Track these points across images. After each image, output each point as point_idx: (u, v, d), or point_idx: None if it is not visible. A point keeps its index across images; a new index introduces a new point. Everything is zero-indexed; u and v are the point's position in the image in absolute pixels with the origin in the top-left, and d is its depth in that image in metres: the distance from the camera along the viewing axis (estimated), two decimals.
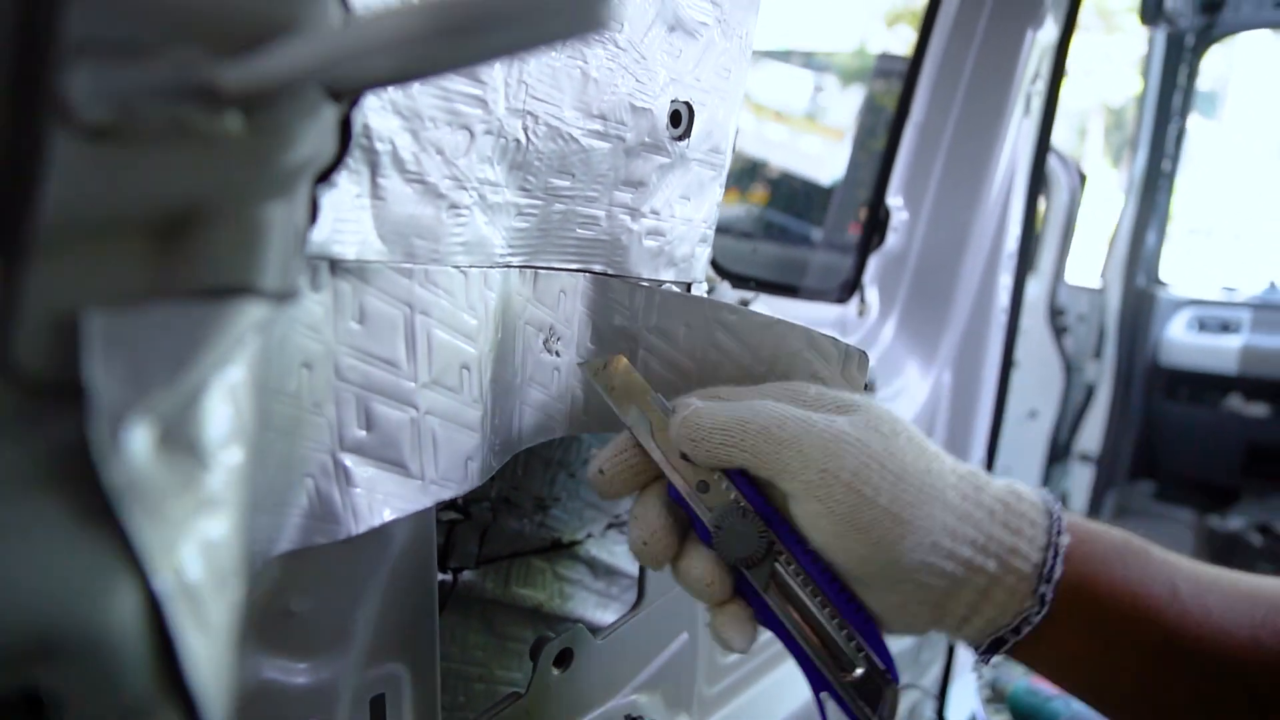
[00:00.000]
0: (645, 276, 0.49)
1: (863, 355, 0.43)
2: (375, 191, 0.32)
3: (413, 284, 0.35)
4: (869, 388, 0.85)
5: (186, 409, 0.17)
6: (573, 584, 0.69)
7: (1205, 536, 2.77)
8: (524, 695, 0.47)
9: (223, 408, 0.18)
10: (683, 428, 0.37)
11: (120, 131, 0.16)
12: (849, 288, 1.01)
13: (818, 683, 0.37)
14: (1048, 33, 0.98)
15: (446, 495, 0.38)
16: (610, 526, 0.70)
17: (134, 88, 0.16)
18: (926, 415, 1.06)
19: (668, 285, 0.51)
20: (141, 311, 0.16)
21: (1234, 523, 2.73)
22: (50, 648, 0.14)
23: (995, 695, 1.29)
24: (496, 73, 0.36)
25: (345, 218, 0.31)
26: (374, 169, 0.32)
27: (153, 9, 0.16)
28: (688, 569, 0.38)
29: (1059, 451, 2.55)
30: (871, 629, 0.36)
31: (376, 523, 0.34)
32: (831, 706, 0.36)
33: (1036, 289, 2.51)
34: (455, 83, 0.35)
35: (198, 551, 0.17)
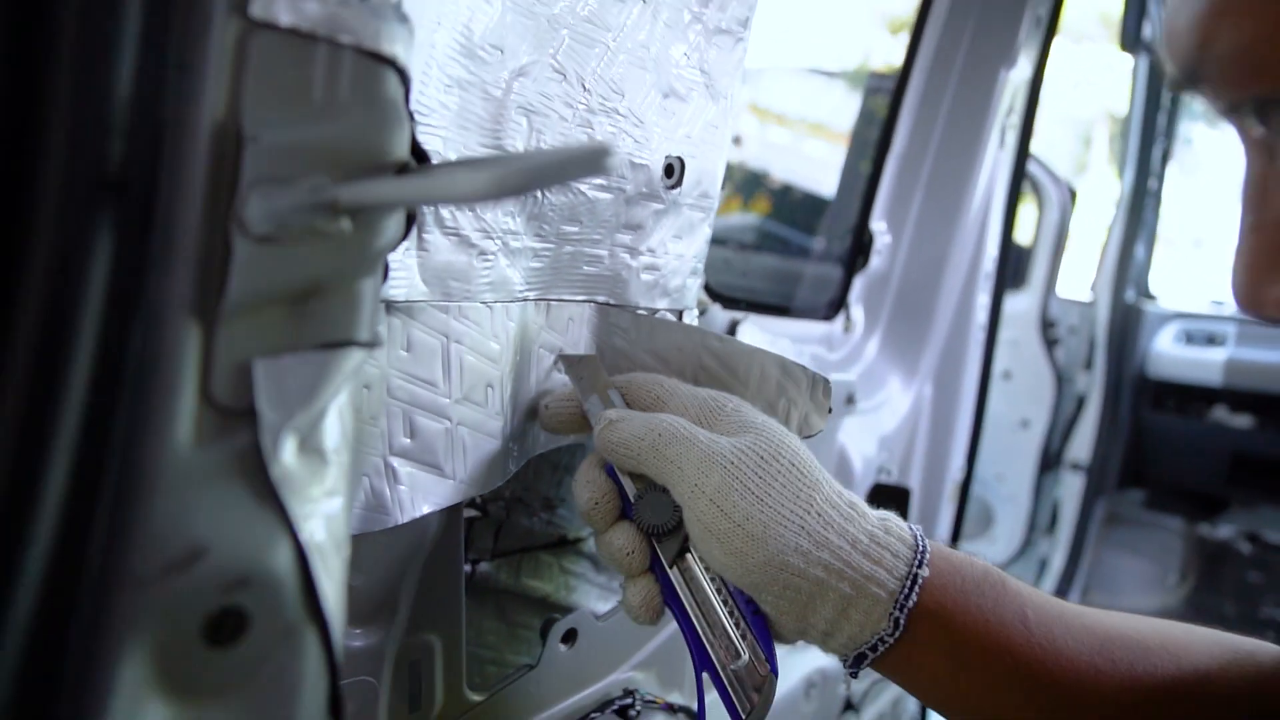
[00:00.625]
0: (642, 305, 0.57)
1: (827, 381, 0.51)
2: (420, 245, 0.40)
3: (449, 318, 0.43)
4: (850, 400, 0.92)
5: (315, 426, 0.24)
6: (577, 577, 0.76)
7: (1195, 544, 2.83)
8: (535, 667, 0.54)
9: (336, 424, 0.25)
10: (598, 440, 0.44)
11: (276, 237, 0.24)
12: (835, 306, 1.08)
13: (701, 662, 0.42)
14: (1020, 71, 1.05)
15: (474, 493, 0.46)
16: None
17: (285, 205, 0.24)
18: (908, 426, 1.13)
19: (662, 313, 0.59)
20: (286, 359, 0.24)
21: (1223, 531, 2.78)
22: (245, 580, 0.21)
23: None
24: (518, 141, 0.44)
25: (396, 267, 0.39)
26: (420, 226, 0.40)
27: (295, 155, 0.24)
28: (612, 539, 0.43)
29: (1050, 460, 2.61)
30: (761, 625, 0.41)
31: (417, 514, 0.42)
32: (709, 686, 0.41)
33: (1028, 302, 2.59)
34: (484, 151, 0.42)
35: (323, 523, 0.24)
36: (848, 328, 1.08)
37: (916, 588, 0.39)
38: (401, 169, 0.27)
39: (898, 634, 0.39)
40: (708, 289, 0.80)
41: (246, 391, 0.23)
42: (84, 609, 0.19)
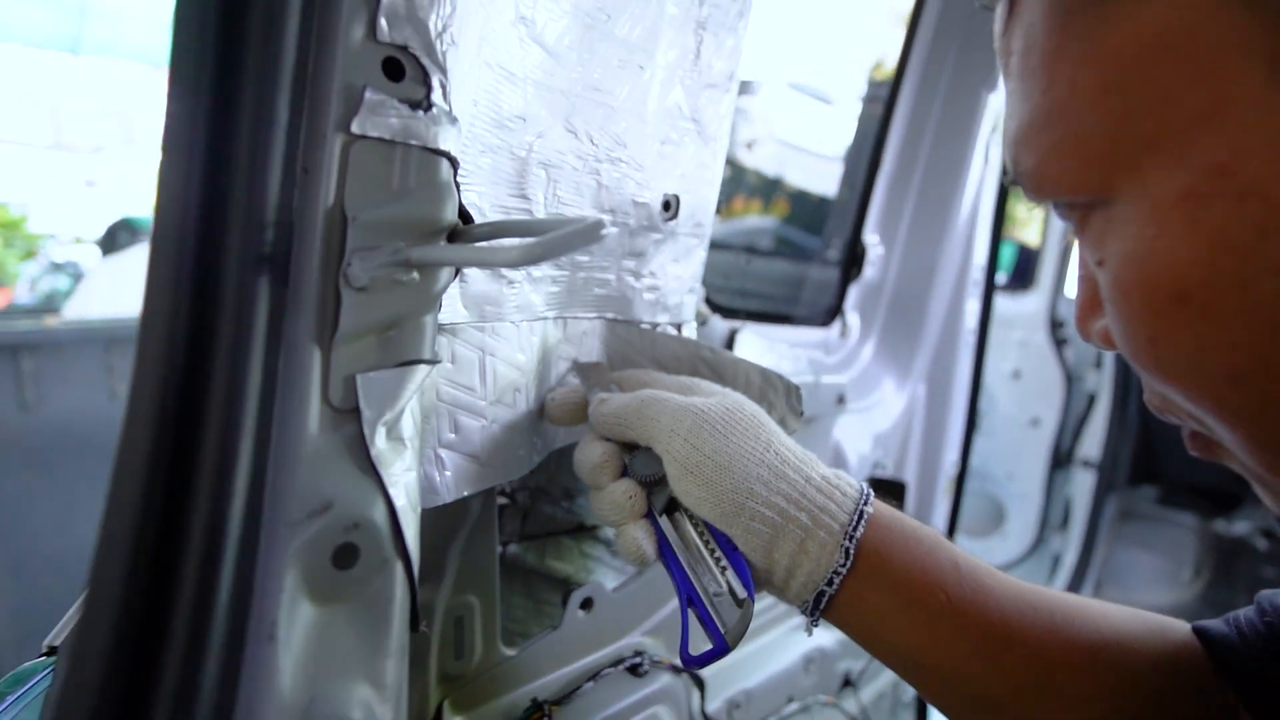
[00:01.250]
0: (645, 320, 0.66)
1: (798, 388, 0.60)
2: (461, 278, 0.50)
3: (484, 335, 0.52)
4: (841, 400, 1.00)
5: (397, 420, 0.34)
6: (594, 560, 0.86)
7: (1211, 541, 2.85)
8: (557, 629, 0.64)
9: (412, 420, 0.35)
10: (593, 416, 0.53)
11: (369, 287, 0.34)
12: (832, 312, 1.17)
13: (687, 593, 0.49)
14: (1002, 93, 1.13)
15: (504, 479, 0.55)
16: None
17: (375, 265, 0.34)
18: (903, 424, 1.21)
19: (663, 326, 0.68)
20: (377, 373, 0.34)
21: (1239, 527, 2.81)
22: (357, 525, 0.31)
23: None
24: (538, 191, 0.54)
25: (444, 297, 0.49)
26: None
27: (381, 228, 0.34)
28: (614, 489, 0.51)
29: (1061, 458, 2.66)
30: (739, 560, 0.47)
31: (460, 495, 0.51)
32: (691, 613, 0.48)
33: (1037, 302, 2.64)
34: (511, 200, 0.52)
35: (404, 490, 0.34)
36: (844, 333, 1.16)
37: (863, 521, 0.46)
38: (452, 233, 0.37)
39: (849, 565, 0.45)
40: (709, 301, 0.90)
41: (352, 396, 0.33)
42: (262, 542, 0.28)
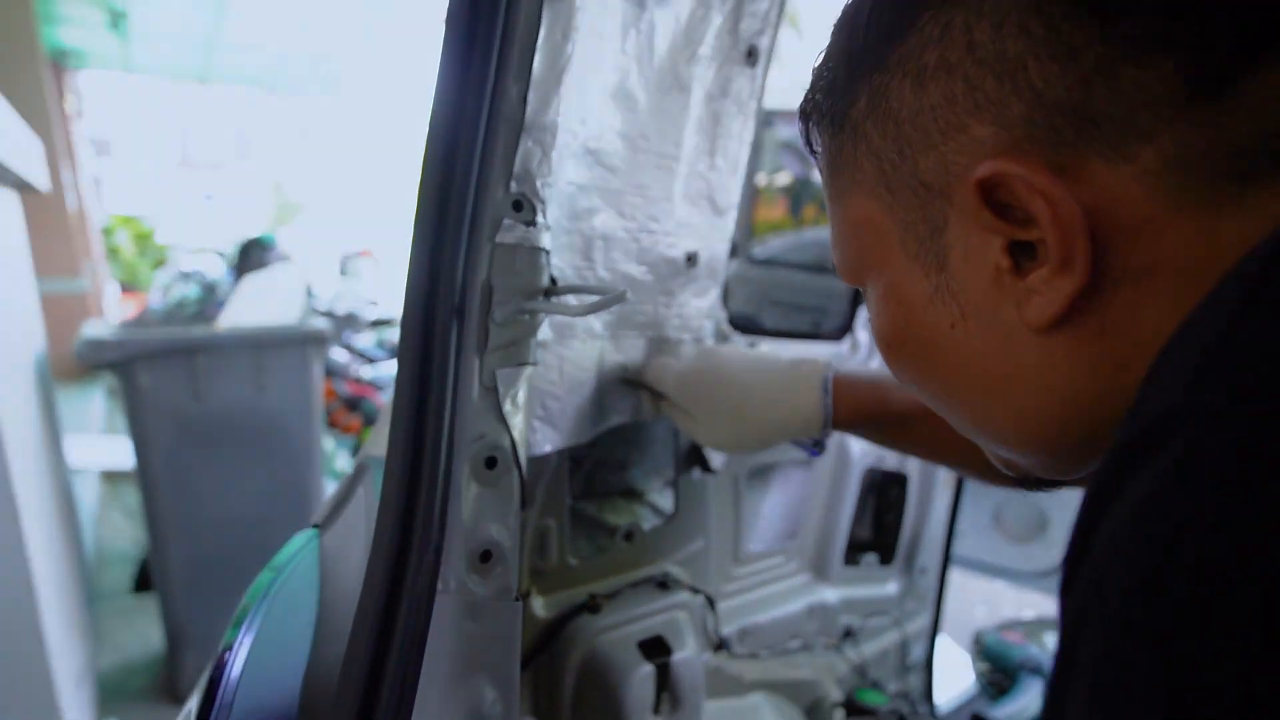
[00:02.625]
0: (674, 338, 0.94)
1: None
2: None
3: (561, 348, 0.81)
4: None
5: (517, 395, 0.64)
6: (640, 518, 1.13)
7: None
8: (607, 551, 0.92)
9: (523, 394, 0.64)
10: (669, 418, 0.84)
11: (502, 323, 0.63)
12: (843, 329, 1.41)
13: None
14: None
15: (574, 443, 0.84)
16: (666, 484, 1.15)
17: (506, 312, 0.63)
18: None
19: (687, 342, 0.95)
20: (507, 369, 0.63)
21: None
22: (497, 446, 0.60)
23: (976, 645, 1.62)
24: (598, 255, 0.82)
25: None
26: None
27: (510, 291, 0.63)
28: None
29: None
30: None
31: (544, 450, 0.80)
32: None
33: None
34: (580, 263, 0.80)
35: (519, 433, 0.63)
36: (854, 348, 1.41)
37: (826, 428, 0.79)
38: (546, 291, 0.66)
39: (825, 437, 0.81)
40: (731, 321, 1.16)
41: (494, 380, 0.62)
42: (455, 452, 0.57)
